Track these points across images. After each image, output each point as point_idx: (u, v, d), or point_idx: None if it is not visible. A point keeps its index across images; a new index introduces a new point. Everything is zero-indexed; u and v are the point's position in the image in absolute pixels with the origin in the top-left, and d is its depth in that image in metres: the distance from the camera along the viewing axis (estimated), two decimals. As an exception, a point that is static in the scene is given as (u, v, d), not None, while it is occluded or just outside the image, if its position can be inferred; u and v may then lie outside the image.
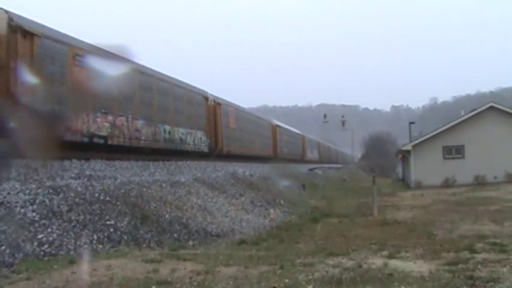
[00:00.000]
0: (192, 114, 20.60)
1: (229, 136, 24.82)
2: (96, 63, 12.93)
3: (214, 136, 22.79)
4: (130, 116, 15.33)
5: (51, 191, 8.64)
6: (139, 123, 15.96)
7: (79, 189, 9.26)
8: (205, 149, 21.71)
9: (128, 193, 10.32)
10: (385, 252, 7.54)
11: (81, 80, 12.76)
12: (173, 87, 19.03)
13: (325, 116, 67.39)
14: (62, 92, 12.21)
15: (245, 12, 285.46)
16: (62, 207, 8.28)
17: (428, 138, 30.04)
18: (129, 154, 14.83)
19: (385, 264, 6.40)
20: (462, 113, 33.34)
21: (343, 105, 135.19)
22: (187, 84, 20.91)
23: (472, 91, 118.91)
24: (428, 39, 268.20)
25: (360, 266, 6.31)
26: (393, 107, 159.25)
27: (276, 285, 5.39)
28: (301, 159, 43.38)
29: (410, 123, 41.38)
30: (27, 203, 7.88)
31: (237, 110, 27.63)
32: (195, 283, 5.55)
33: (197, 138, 20.92)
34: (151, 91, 17.12)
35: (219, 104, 23.79)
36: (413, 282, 5.41)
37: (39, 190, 8.45)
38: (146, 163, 14.55)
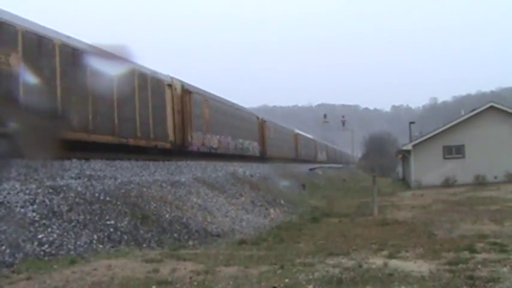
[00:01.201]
0: (251, 130, 29.57)
1: (270, 144, 33.29)
2: (215, 105, 22.91)
3: (262, 145, 31.58)
4: (225, 134, 23.89)
5: (51, 191, 8.62)
6: (229, 138, 24.65)
7: (79, 189, 9.25)
8: (258, 154, 30.10)
9: (128, 193, 10.31)
10: (385, 252, 7.54)
11: (209, 115, 21.93)
12: (242, 112, 28.63)
13: (325, 116, 67.18)
14: (202, 123, 21.01)
15: (245, 12, 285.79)
16: (62, 207, 8.27)
17: (429, 138, 30.01)
18: (222, 158, 22.11)
19: (385, 264, 6.39)
20: (462, 112, 33.37)
21: (343, 105, 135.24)
22: (247, 109, 30.86)
23: (472, 91, 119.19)
24: (428, 39, 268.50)
25: (360, 266, 6.30)
26: (393, 107, 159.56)
27: (276, 285, 5.39)
28: (314, 160, 51.10)
29: (411, 123, 41.41)
30: (27, 203, 7.86)
31: (274, 123, 36.61)
32: (195, 283, 5.54)
33: (254, 147, 29.69)
34: (234, 117, 26.08)
35: (265, 121, 33.00)
36: (414, 282, 5.40)
37: (39, 190, 8.43)
38: (146, 163, 14.57)
